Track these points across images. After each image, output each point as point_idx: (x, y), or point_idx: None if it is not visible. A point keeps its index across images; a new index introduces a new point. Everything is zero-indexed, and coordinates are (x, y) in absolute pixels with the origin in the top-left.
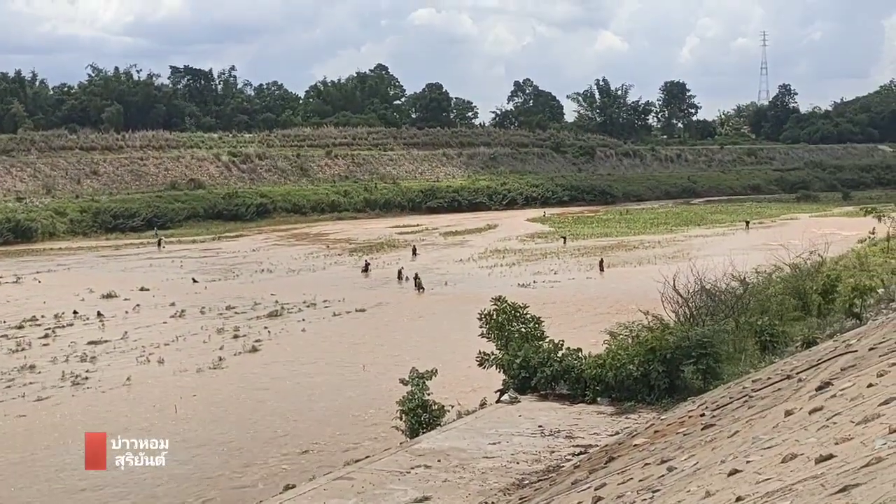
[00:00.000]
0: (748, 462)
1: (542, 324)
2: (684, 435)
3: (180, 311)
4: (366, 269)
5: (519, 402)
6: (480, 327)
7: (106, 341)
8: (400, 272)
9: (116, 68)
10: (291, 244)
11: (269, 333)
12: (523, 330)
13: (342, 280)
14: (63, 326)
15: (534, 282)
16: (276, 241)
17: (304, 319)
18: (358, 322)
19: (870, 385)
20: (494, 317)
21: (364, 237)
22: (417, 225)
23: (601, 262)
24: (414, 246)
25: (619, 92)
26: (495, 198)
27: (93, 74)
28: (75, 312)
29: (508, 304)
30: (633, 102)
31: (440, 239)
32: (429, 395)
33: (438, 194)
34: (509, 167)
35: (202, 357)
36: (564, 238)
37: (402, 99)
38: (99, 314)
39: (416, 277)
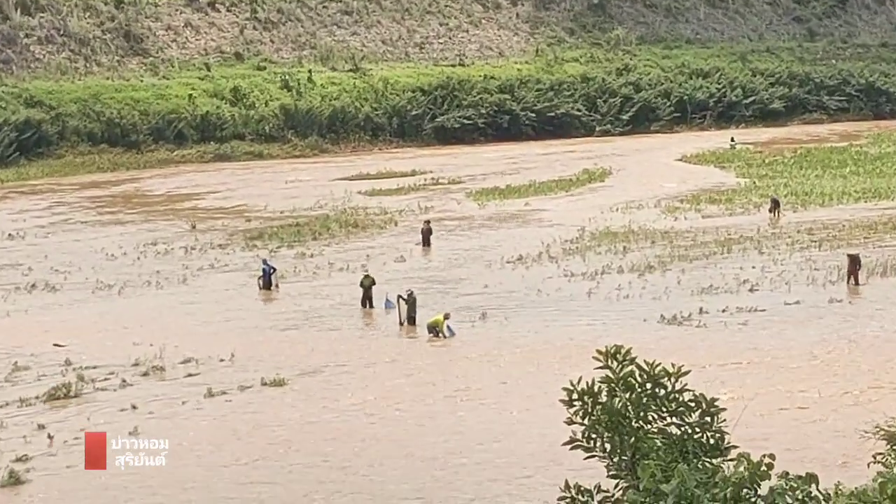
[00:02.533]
0: None
1: (721, 412)
2: None
3: None
4: (265, 283)
5: None
6: (568, 420)
7: None
8: (367, 291)
9: None
10: (104, 220)
11: None
12: (674, 431)
13: (225, 316)
14: None
15: (700, 310)
16: (67, 212)
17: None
18: (222, 455)
19: None
20: (604, 400)
21: (283, 205)
22: (415, 173)
23: (854, 262)
24: (427, 226)
25: None
26: (603, 106)
27: None
28: None
29: (638, 368)
30: None
31: (470, 207)
32: None
33: (463, 97)
34: (636, 31)
35: None
36: (775, 204)
37: None
38: None
39: (407, 298)
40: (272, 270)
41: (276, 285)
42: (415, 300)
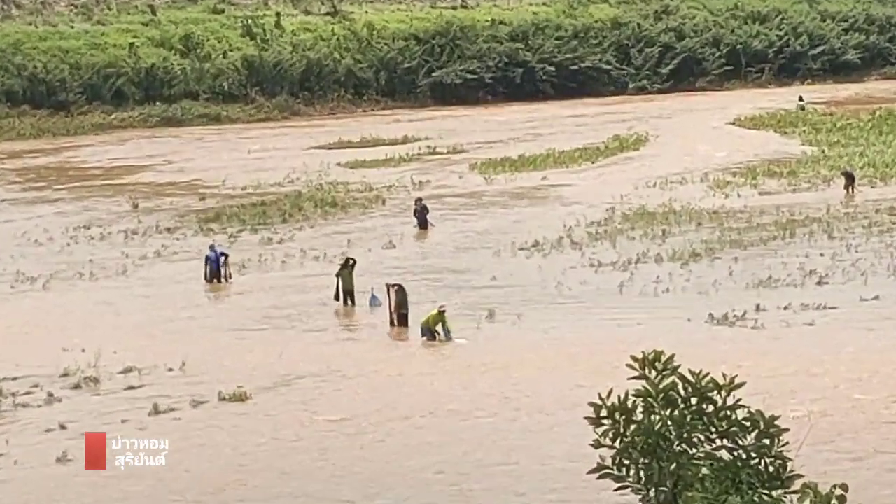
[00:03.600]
0: None
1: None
2: None
3: None
4: (212, 274)
5: None
6: (595, 443)
7: None
8: (346, 283)
9: None
10: (27, 197)
11: None
12: (725, 456)
13: (175, 315)
14: None
15: (757, 308)
16: None
17: None
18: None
19: None
20: (639, 418)
21: (245, 180)
22: (407, 140)
23: None
24: (419, 204)
25: None
26: (638, 58)
27: None
28: None
29: (681, 378)
30: None
31: (475, 181)
32: None
33: (466, 47)
34: None
35: None
36: (849, 179)
37: None
38: None
39: (396, 290)
40: (222, 258)
41: (227, 276)
42: (405, 295)
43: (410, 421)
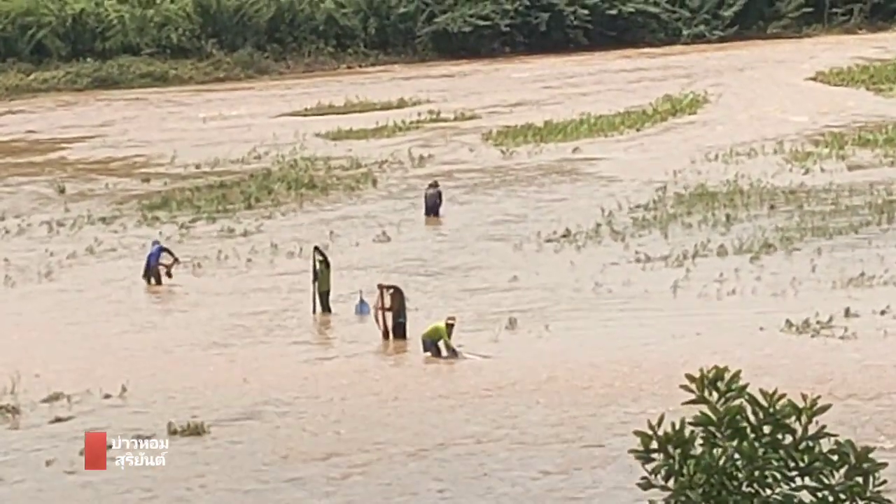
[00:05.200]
0: None
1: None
2: None
3: None
4: (152, 274)
5: None
6: (645, 483)
7: None
8: (322, 283)
9: None
10: None
11: None
12: (808, 497)
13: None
14: None
15: (847, 312)
16: None
17: None
18: None
19: None
20: (699, 451)
21: (200, 156)
22: (404, 104)
23: None
24: (434, 189)
25: None
26: (696, 0)
27: None
28: None
29: (751, 401)
30: None
31: (491, 155)
32: None
33: None
34: None
35: None
36: None
37: None
38: None
39: (391, 294)
40: (162, 253)
41: (163, 276)
42: (403, 299)
43: (412, 460)
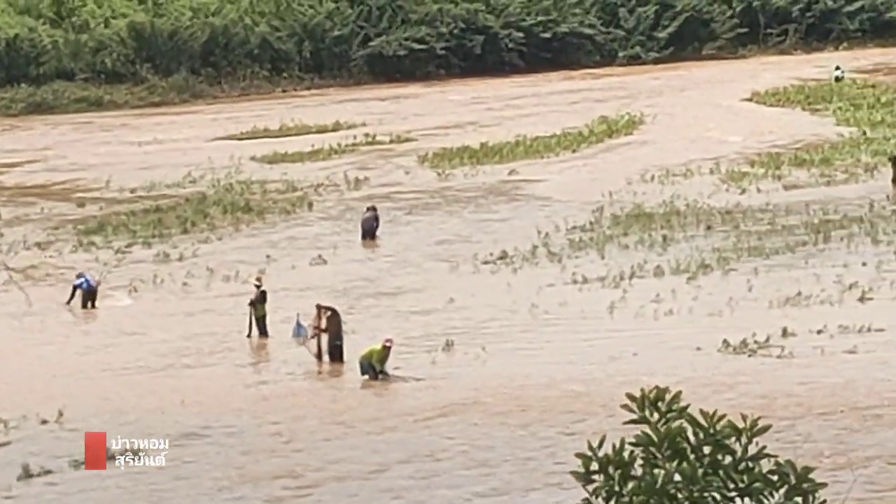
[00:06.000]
0: None
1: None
2: None
3: None
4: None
5: None
6: None
7: None
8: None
9: None
10: None
11: None
12: None
13: (49, 353)
14: None
15: (784, 332)
16: None
17: None
18: None
19: None
20: (639, 472)
21: (136, 181)
22: (339, 127)
23: None
24: (371, 213)
25: None
26: (630, 19)
27: None
28: None
29: (691, 422)
30: None
31: (427, 177)
32: None
33: (412, 9)
34: None
35: None
36: None
37: None
38: None
39: (328, 317)
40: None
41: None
42: (340, 322)
43: (348, 482)
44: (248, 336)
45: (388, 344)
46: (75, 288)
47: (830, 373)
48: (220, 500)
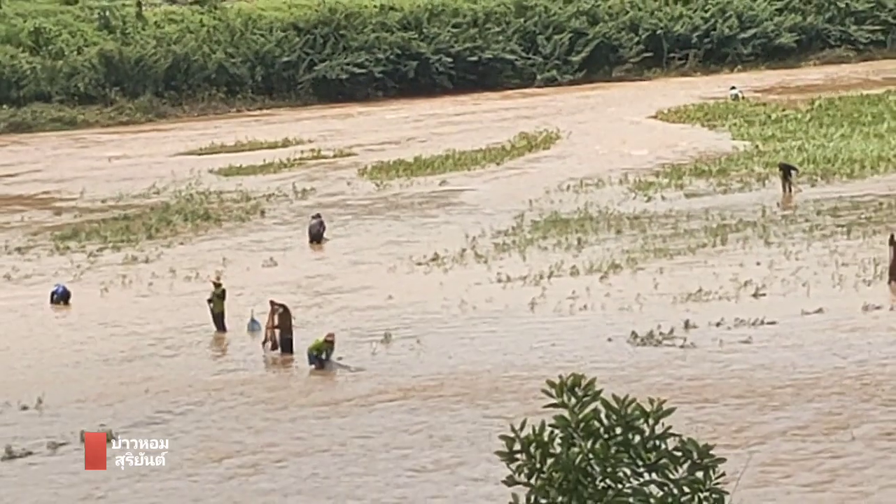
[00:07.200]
0: None
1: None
2: None
3: None
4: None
5: None
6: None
7: None
8: (217, 305)
9: None
10: None
11: None
12: (655, 491)
13: (29, 346)
14: None
15: (686, 324)
16: None
17: None
18: None
19: None
20: (558, 451)
21: (106, 192)
22: (288, 143)
23: None
24: (317, 219)
25: None
26: (547, 46)
27: None
28: None
29: (604, 405)
30: None
31: (366, 188)
32: None
33: (353, 38)
34: None
35: None
36: (786, 172)
37: None
38: None
39: (280, 313)
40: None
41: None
42: (290, 317)
43: (295, 462)
44: (218, 329)
45: (329, 339)
46: (53, 294)
47: (728, 361)
48: (175, 477)
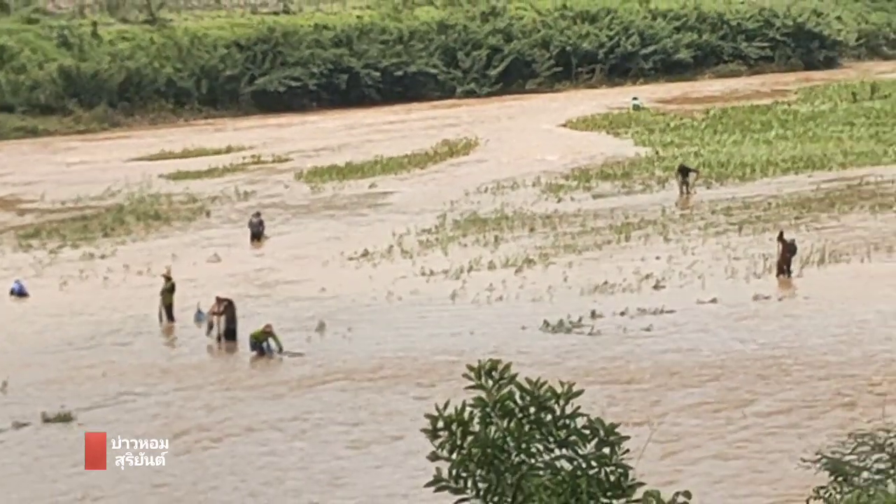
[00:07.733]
0: None
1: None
2: None
3: None
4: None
5: None
6: (432, 456)
7: None
8: (166, 298)
9: None
10: None
11: None
12: (565, 465)
13: None
14: None
15: (593, 314)
16: None
17: None
18: None
19: None
20: (476, 429)
21: (65, 194)
22: (231, 150)
23: (787, 248)
24: (257, 218)
25: None
26: (466, 61)
27: None
28: None
29: (518, 388)
30: None
31: (302, 190)
32: None
33: (289, 54)
34: None
35: None
36: (684, 174)
37: None
38: None
39: (225, 306)
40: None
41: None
42: (234, 309)
43: (236, 439)
44: (161, 321)
45: (267, 329)
46: (11, 291)
47: (631, 347)
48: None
